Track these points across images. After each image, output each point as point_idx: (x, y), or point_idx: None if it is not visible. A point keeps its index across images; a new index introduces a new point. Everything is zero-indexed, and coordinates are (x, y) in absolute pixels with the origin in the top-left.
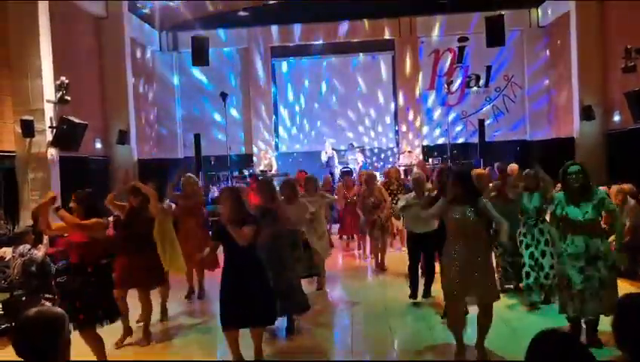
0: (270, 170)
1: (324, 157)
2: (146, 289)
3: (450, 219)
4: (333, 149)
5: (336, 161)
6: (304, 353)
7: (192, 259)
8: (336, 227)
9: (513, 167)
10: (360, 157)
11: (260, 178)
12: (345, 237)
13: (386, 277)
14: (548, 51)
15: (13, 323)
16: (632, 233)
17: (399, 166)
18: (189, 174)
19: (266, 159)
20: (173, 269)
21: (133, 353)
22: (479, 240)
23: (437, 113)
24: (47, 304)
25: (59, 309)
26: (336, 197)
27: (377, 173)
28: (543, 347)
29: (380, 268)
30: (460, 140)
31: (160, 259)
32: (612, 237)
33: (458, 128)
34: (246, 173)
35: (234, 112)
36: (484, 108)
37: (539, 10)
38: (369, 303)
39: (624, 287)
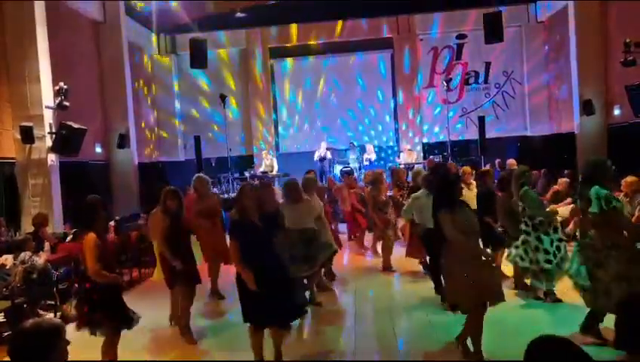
0: (271, 171)
1: (316, 157)
2: (188, 289)
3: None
4: (327, 149)
5: (330, 159)
6: (312, 353)
7: (214, 259)
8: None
9: (511, 162)
10: (373, 156)
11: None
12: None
13: (392, 276)
14: (547, 46)
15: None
16: None
17: (400, 164)
18: (201, 175)
19: (267, 160)
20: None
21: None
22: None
23: (437, 111)
24: (48, 315)
25: (56, 320)
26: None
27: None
28: (541, 351)
29: (387, 267)
30: (461, 137)
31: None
32: None
33: (458, 125)
34: (247, 174)
35: (234, 114)
36: (483, 105)
37: (537, 6)
38: (378, 302)
39: None
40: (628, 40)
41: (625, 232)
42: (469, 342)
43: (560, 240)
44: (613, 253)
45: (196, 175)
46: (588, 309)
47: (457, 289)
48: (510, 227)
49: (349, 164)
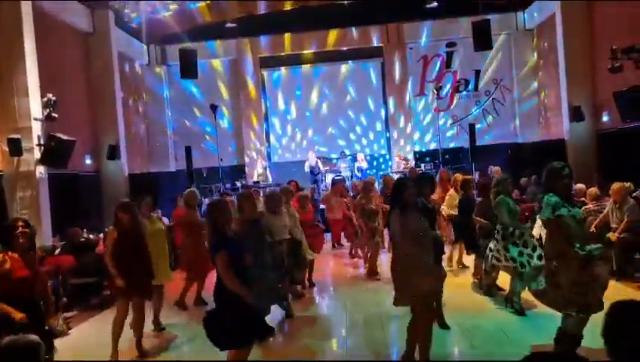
0: (264, 181)
1: (306, 167)
2: (138, 301)
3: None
4: (317, 158)
5: (321, 169)
6: (296, 357)
7: (195, 270)
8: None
9: (497, 169)
10: (364, 164)
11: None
12: (336, 245)
13: (379, 284)
14: (535, 54)
15: None
16: (629, 231)
17: (393, 172)
18: (192, 188)
19: (259, 169)
20: (163, 279)
21: None
22: None
23: (427, 118)
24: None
25: (33, 336)
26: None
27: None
28: None
29: (372, 275)
30: (452, 145)
31: (147, 272)
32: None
33: (449, 133)
34: (238, 184)
35: (225, 124)
36: (474, 113)
37: (525, 14)
38: (362, 311)
39: (616, 288)
40: (614, 47)
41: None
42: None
43: (530, 256)
44: (561, 262)
45: (188, 189)
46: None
47: (400, 289)
48: (485, 232)
49: (340, 172)
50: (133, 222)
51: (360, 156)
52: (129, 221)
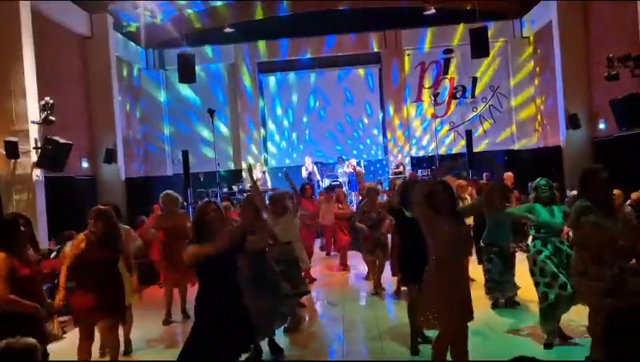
0: (262, 185)
1: (304, 173)
2: (110, 323)
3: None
4: (315, 163)
5: (317, 175)
6: None
7: (178, 284)
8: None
9: (508, 174)
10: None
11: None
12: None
13: (379, 297)
14: (532, 61)
15: None
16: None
17: (390, 177)
18: (169, 191)
19: (259, 173)
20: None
21: None
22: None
23: (424, 125)
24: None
25: (30, 340)
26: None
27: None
28: None
29: (377, 288)
30: (449, 151)
31: (122, 291)
32: None
33: (446, 139)
34: (235, 189)
35: (222, 128)
36: (471, 119)
37: (522, 21)
38: (363, 325)
39: None
40: (611, 55)
41: None
42: None
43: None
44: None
45: (164, 192)
46: None
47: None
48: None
49: (337, 177)
50: (109, 232)
51: (348, 162)
52: (104, 231)
